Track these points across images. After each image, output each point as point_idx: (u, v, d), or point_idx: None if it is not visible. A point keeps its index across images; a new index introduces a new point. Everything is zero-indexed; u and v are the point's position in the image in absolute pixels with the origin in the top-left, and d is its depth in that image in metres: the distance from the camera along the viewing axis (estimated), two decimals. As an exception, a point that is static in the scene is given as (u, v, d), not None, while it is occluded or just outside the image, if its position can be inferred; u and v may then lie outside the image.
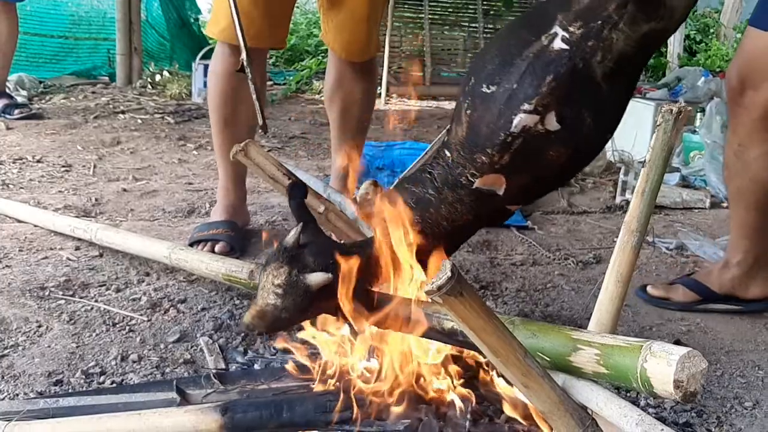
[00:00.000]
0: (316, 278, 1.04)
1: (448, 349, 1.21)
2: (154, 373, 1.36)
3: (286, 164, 1.47)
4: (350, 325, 1.15)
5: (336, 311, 1.10)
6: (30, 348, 1.42)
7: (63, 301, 1.63)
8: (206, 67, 2.07)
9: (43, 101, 4.13)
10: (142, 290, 1.70)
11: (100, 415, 1.13)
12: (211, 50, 2.08)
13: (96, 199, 2.41)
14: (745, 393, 1.42)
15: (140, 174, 2.79)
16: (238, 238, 1.99)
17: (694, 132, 3.18)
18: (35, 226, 2.06)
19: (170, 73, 4.82)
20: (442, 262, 0.82)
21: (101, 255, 1.89)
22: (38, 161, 2.85)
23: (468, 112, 1.11)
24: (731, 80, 1.65)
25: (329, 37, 2.12)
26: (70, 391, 1.29)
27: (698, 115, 3.26)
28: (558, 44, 1.05)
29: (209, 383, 1.28)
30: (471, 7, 5.60)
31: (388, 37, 5.07)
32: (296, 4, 2.19)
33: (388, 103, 5.00)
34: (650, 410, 1.31)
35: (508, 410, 1.14)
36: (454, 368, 1.21)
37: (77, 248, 1.93)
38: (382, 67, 4.93)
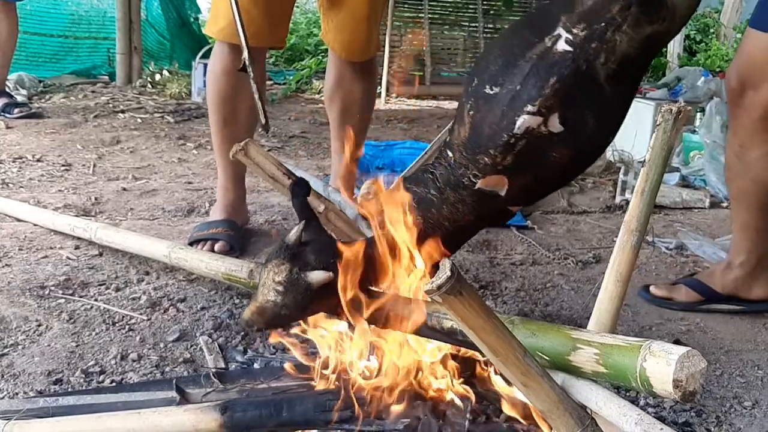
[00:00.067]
0: (317, 276, 1.04)
1: (448, 348, 1.21)
2: (154, 372, 1.36)
3: (286, 164, 1.47)
4: (350, 323, 1.15)
5: (336, 310, 1.10)
6: (30, 347, 1.42)
7: (63, 300, 1.63)
8: (206, 66, 2.07)
9: (42, 100, 4.13)
10: (142, 289, 1.70)
11: (100, 414, 1.13)
12: (211, 49, 2.08)
13: (96, 198, 2.41)
14: (745, 392, 1.42)
15: (140, 173, 2.79)
16: (237, 237, 2.00)
17: (693, 132, 3.18)
18: (35, 225, 2.06)
19: (170, 72, 4.82)
20: (442, 262, 0.82)
21: (101, 254, 1.89)
22: (38, 160, 2.85)
23: (471, 112, 1.11)
24: (731, 81, 1.65)
25: (329, 37, 2.12)
26: (69, 390, 1.29)
27: (698, 114, 3.26)
28: (561, 46, 1.05)
29: (209, 382, 1.29)
30: (471, 6, 5.61)
31: (388, 37, 5.07)
32: (296, 4, 2.19)
33: (388, 103, 4.99)
34: (649, 410, 1.31)
35: (507, 409, 1.14)
36: (453, 367, 1.21)
37: (77, 247, 1.93)
38: (382, 66, 4.93)
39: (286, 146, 3.48)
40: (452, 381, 1.19)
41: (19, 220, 2.11)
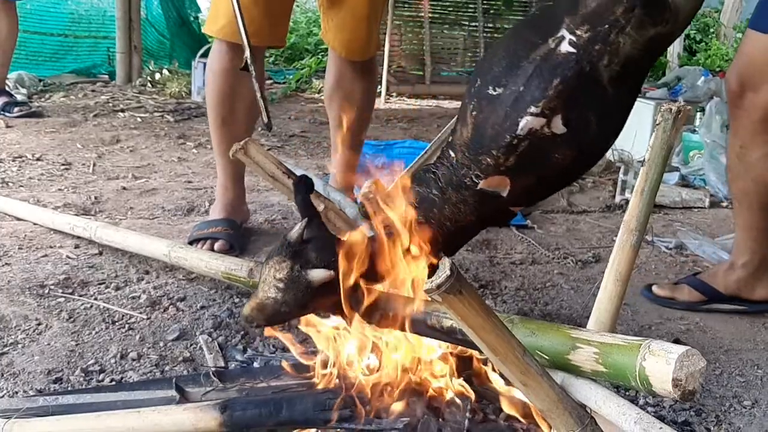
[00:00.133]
0: (318, 275, 1.04)
1: (446, 347, 1.22)
2: (154, 371, 1.36)
3: (286, 163, 1.47)
4: (350, 322, 1.15)
5: (336, 308, 1.10)
6: (29, 346, 1.42)
7: (62, 299, 1.63)
8: (206, 65, 2.07)
9: (42, 99, 4.13)
10: (142, 288, 1.70)
11: (99, 412, 1.13)
12: (210, 48, 2.07)
13: (95, 198, 2.41)
14: (744, 392, 1.42)
15: (140, 172, 2.79)
16: (237, 236, 2.00)
17: (693, 131, 3.18)
18: (35, 224, 2.06)
19: (170, 71, 4.82)
20: (441, 261, 0.82)
21: (101, 253, 1.89)
22: (38, 159, 2.85)
23: (474, 113, 1.11)
24: (731, 83, 1.66)
25: (329, 36, 2.12)
26: (69, 388, 1.29)
27: (698, 114, 3.26)
28: (565, 47, 1.05)
29: (208, 381, 1.29)
30: (471, 6, 5.60)
31: (388, 36, 5.07)
32: (296, 3, 2.19)
33: (387, 102, 4.99)
34: (649, 409, 1.31)
35: (506, 408, 1.14)
36: (453, 366, 1.21)
37: (77, 246, 1.93)
38: (382, 66, 4.93)
39: (285, 145, 3.48)
40: (451, 379, 1.19)
41: (18, 219, 2.11)
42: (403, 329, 1.11)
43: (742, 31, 6.49)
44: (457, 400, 1.15)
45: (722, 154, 2.85)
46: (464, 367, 1.23)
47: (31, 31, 4.76)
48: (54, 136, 3.28)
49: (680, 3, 1.08)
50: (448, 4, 5.59)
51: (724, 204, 2.81)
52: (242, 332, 1.51)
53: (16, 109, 3.59)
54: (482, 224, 1.21)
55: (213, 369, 1.34)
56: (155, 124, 3.73)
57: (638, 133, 2.91)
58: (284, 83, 5.28)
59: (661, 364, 0.85)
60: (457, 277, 0.81)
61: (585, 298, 1.82)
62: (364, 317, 1.12)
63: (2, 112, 3.56)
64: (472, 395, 1.17)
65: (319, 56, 5.80)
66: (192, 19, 5.40)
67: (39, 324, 1.51)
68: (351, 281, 1.06)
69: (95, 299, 1.64)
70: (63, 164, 2.81)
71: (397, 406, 1.13)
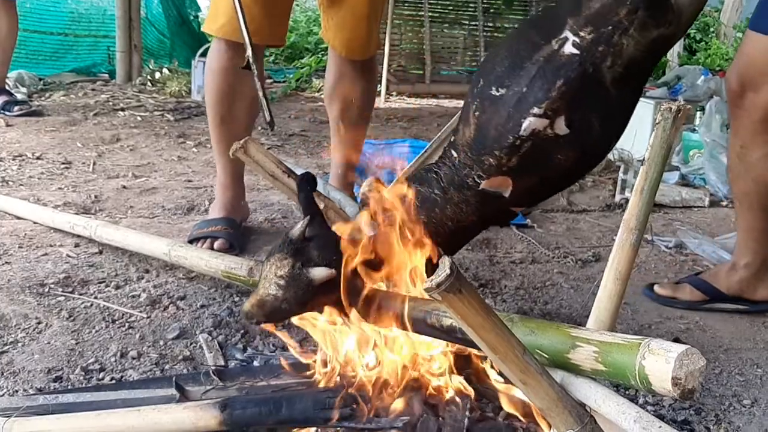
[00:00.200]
0: (319, 273, 1.05)
1: (445, 345, 1.22)
2: (154, 370, 1.36)
3: (286, 162, 1.47)
4: (350, 320, 1.16)
5: (337, 306, 1.10)
6: (29, 344, 1.42)
7: (62, 298, 1.63)
8: (205, 64, 2.08)
9: (42, 98, 4.13)
10: (142, 287, 1.70)
11: (100, 411, 1.13)
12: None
13: (95, 196, 2.41)
14: (744, 391, 1.42)
15: (140, 171, 2.79)
16: (237, 235, 2.00)
17: (693, 131, 3.18)
18: (35, 223, 2.06)
19: (170, 70, 4.81)
20: (441, 260, 0.82)
21: (101, 252, 1.89)
22: (38, 158, 2.85)
23: (476, 113, 1.11)
24: (731, 83, 1.66)
25: (329, 35, 2.12)
26: (69, 387, 1.29)
27: (698, 113, 3.26)
28: (568, 49, 1.06)
29: (208, 380, 1.29)
30: (471, 5, 5.60)
31: (388, 35, 5.07)
32: (296, 2, 2.19)
33: (387, 101, 4.99)
34: (649, 408, 1.31)
35: (506, 407, 1.15)
36: (452, 364, 1.21)
37: (77, 245, 1.93)
38: (382, 65, 4.92)
39: (285, 144, 3.48)
40: (451, 378, 1.19)
41: (18, 218, 2.11)
42: (402, 328, 1.12)
43: (742, 31, 6.49)
44: (457, 399, 1.15)
45: (722, 154, 2.86)
46: (464, 366, 1.23)
47: (31, 30, 4.76)
48: (54, 135, 3.28)
49: (683, 4, 1.08)
50: (448, 3, 5.59)
51: (724, 203, 2.81)
52: (242, 331, 1.51)
53: (16, 107, 3.58)
54: (484, 224, 1.22)
55: (213, 368, 1.34)
56: (155, 123, 3.73)
57: (638, 132, 2.91)
58: (284, 82, 5.27)
59: (661, 362, 0.85)
60: (457, 276, 0.81)
61: (585, 297, 1.82)
62: (364, 316, 1.12)
63: (2, 111, 3.56)
64: (472, 393, 1.17)
65: (319, 55, 5.80)
66: (192, 18, 5.40)
67: (39, 323, 1.51)
68: (352, 280, 1.06)
69: (95, 298, 1.64)
70: (63, 163, 2.81)
71: (397, 405, 1.13)
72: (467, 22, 5.63)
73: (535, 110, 1.05)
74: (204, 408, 1.09)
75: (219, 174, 2.08)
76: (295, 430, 1.13)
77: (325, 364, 1.24)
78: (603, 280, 1.15)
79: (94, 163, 2.85)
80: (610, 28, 1.05)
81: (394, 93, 5.20)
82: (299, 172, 1.49)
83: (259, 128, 3.50)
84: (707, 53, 6.90)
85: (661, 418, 1.27)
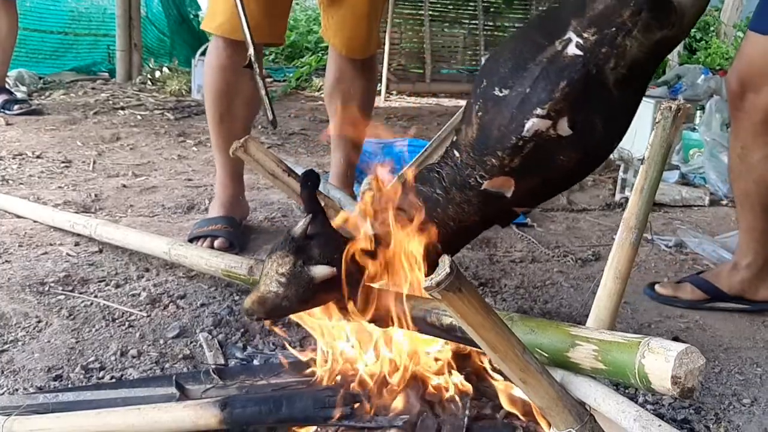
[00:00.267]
0: (320, 271, 1.05)
1: (444, 344, 1.22)
2: (154, 369, 1.36)
3: (286, 161, 1.47)
4: (350, 319, 1.16)
5: (337, 304, 1.11)
6: (30, 343, 1.43)
7: (62, 297, 1.63)
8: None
9: (42, 97, 4.12)
10: (142, 286, 1.70)
11: (100, 410, 1.13)
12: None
13: (95, 195, 2.41)
14: (744, 390, 1.42)
15: (140, 170, 2.79)
16: (237, 234, 2.00)
17: (693, 130, 3.18)
18: (35, 221, 2.06)
19: (170, 69, 4.81)
20: (441, 259, 0.82)
21: (101, 251, 1.89)
22: (38, 157, 2.85)
23: (479, 114, 1.11)
24: (732, 84, 1.66)
25: (329, 34, 2.12)
26: (69, 386, 1.29)
27: (698, 112, 3.26)
28: (572, 50, 1.06)
29: (208, 378, 1.29)
30: (471, 4, 5.60)
31: (388, 34, 5.06)
32: (296, 1, 2.18)
33: (387, 100, 4.99)
34: (648, 406, 1.31)
35: (506, 406, 1.15)
36: (452, 363, 1.21)
37: (77, 244, 1.93)
38: (382, 64, 4.92)
39: (285, 143, 3.48)
40: (451, 377, 1.19)
41: (18, 217, 2.11)
42: (402, 326, 1.12)
43: (742, 30, 6.49)
44: (457, 397, 1.15)
45: (722, 153, 2.86)
46: (463, 364, 1.23)
47: (31, 29, 4.76)
48: (54, 134, 3.28)
49: (686, 6, 1.08)
50: (448, 1, 5.59)
51: (724, 202, 2.81)
52: (242, 330, 1.51)
53: (16, 106, 3.58)
54: (485, 224, 1.22)
55: (213, 366, 1.35)
56: (155, 121, 3.73)
57: (638, 131, 2.89)
58: (284, 81, 5.27)
59: (660, 361, 0.85)
60: (457, 274, 0.81)
61: (584, 295, 1.82)
62: (365, 314, 1.12)
63: (2, 110, 3.56)
64: (472, 392, 1.17)
65: (319, 54, 5.79)
66: (192, 16, 5.40)
67: (39, 321, 1.51)
68: (353, 279, 1.06)
69: (95, 297, 1.64)
70: (63, 162, 2.81)
71: (397, 403, 1.13)
72: (467, 21, 5.63)
73: (538, 111, 1.05)
74: (204, 407, 1.09)
75: (218, 172, 2.08)
76: (295, 428, 1.13)
77: (325, 362, 1.24)
78: (603, 278, 1.15)
79: (94, 162, 2.85)
80: (613, 29, 1.05)
81: (394, 92, 5.20)
82: (299, 171, 1.49)
83: (259, 127, 3.50)
84: (707, 52, 6.90)
85: (661, 416, 1.27)
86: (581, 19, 1.07)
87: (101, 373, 1.34)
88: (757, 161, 1.67)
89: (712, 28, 7.42)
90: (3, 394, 1.25)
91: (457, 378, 1.19)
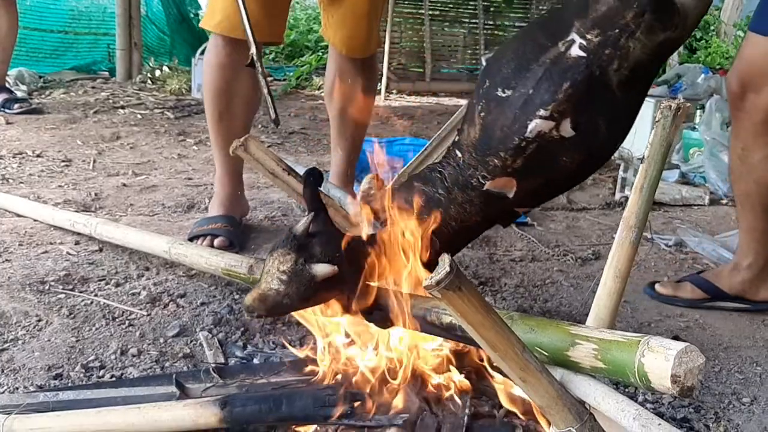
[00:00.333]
0: (321, 269, 1.05)
1: (444, 342, 1.22)
2: (154, 367, 1.36)
3: (286, 160, 1.47)
4: (350, 318, 1.16)
5: (338, 303, 1.11)
6: (30, 342, 1.43)
7: (63, 296, 1.63)
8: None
9: (42, 96, 4.12)
10: (142, 285, 1.70)
11: (100, 408, 1.13)
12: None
13: (96, 194, 2.41)
14: (743, 389, 1.43)
15: (140, 169, 2.79)
16: (237, 232, 2.00)
17: (693, 129, 3.18)
18: (35, 220, 2.06)
19: (170, 68, 4.81)
20: (441, 257, 0.82)
21: (101, 249, 1.89)
22: (38, 156, 2.85)
23: (482, 114, 1.11)
24: (732, 85, 1.66)
25: (329, 33, 2.12)
26: (69, 384, 1.29)
27: (698, 112, 3.26)
28: (575, 51, 1.06)
29: (208, 377, 1.29)
30: (471, 3, 5.60)
31: (388, 33, 5.06)
32: (295, 0, 2.18)
33: (387, 99, 4.99)
34: (648, 405, 1.31)
35: (506, 404, 1.15)
36: (452, 362, 1.21)
37: (77, 243, 1.93)
38: (382, 63, 4.92)
39: (286, 142, 3.48)
40: (451, 375, 1.19)
41: (19, 216, 2.11)
42: (402, 325, 1.12)
43: (742, 29, 6.48)
44: (456, 396, 1.15)
45: (722, 152, 2.86)
46: (463, 363, 1.23)
47: (31, 28, 4.76)
48: (54, 133, 3.28)
49: (689, 7, 1.08)
50: (448, 1, 5.59)
51: (724, 201, 2.81)
52: (242, 329, 1.51)
53: (16, 105, 3.58)
54: (487, 225, 1.22)
55: (213, 365, 1.35)
56: (155, 121, 3.73)
57: (638, 130, 2.89)
58: (284, 80, 5.27)
59: (660, 360, 0.86)
60: (457, 273, 0.82)
61: (584, 295, 1.82)
62: (365, 314, 1.12)
63: (2, 109, 3.56)
64: (471, 390, 1.17)
65: (320, 53, 5.80)
66: (192, 15, 5.40)
67: (39, 320, 1.51)
68: (353, 277, 1.06)
69: (95, 295, 1.64)
70: (63, 161, 2.81)
71: (397, 402, 1.13)
72: (467, 20, 5.63)
73: (541, 112, 1.05)
74: (204, 405, 1.10)
75: (217, 169, 2.08)
76: (295, 427, 1.13)
77: (325, 361, 1.24)
78: (603, 278, 1.15)
79: (94, 161, 2.85)
80: (617, 31, 1.05)
81: (395, 91, 5.20)
82: (299, 170, 1.49)
83: (259, 126, 3.51)
84: (707, 52, 6.89)
85: (661, 415, 1.27)
86: (584, 20, 1.07)
87: (101, 372, 1.34)
88: (758, 161, 1.67)
89: (712, 28, 7.41)
90: (3, 392, 1.25)
91: (457, 377, 1.19)
